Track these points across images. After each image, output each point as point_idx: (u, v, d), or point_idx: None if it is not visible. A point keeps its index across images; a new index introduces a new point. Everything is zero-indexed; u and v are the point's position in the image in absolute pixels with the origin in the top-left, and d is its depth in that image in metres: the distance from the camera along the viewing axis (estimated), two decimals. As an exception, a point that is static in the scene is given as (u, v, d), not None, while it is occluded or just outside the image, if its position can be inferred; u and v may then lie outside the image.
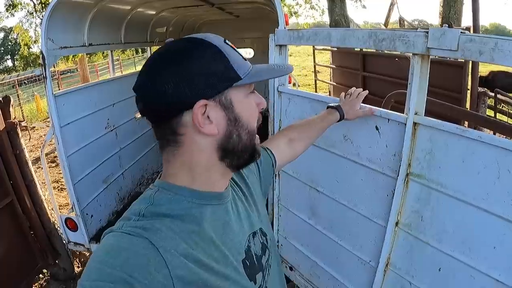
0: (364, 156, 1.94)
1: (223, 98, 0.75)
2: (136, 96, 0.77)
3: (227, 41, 0.79)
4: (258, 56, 6.93)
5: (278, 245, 2.79)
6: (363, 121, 1.84)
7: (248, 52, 7.12)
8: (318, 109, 2.02)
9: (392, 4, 10.53)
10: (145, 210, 0.72)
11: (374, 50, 6.28)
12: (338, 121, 1.56)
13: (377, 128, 1.83)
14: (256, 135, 0.84)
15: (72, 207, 3.20)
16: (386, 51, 5.68)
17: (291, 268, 2.74)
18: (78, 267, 3.72)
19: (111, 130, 3.75)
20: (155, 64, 0.75)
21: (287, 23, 2.67)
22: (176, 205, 0.75)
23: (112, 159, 3.76)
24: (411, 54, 1.58)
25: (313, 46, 9.06)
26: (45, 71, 2.83)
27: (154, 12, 4.57)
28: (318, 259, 2.46)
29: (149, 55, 4.45)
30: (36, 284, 3.49)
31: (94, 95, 3.48)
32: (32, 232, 3.27)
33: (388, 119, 1.75)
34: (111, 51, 4.35)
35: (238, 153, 0.80)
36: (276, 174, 2.55)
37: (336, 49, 7.77)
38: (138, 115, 4.49)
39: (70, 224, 3.32)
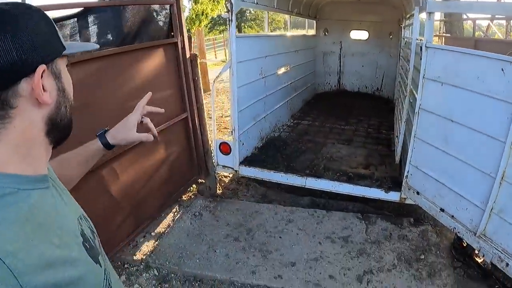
0: (492, 90, 2.40)
1: (55, 66, 0.74)
2: None
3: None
4: (371, 39, 7.65)
5: (407, 175, 3.34)
6: (491, 65, 2.36)
7: (363, 34, 7.83)
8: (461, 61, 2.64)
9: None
10: None
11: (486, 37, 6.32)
12: (107, 148, 1.22)
13: (502, 70, 2.28)
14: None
15: (231, 131, 3.85)
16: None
17: (417, 193, 3.27)
18: (219, 189, 4.36)
19: (262, 78, 4.34)
20: None
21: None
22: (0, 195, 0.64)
23: (260, 102, 4.40)
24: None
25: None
26: (231, 15, 3.47)
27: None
28: (444, 180, 2.96)
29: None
30: (185, 195, 4.20)
31: (257, 45, 4.13)
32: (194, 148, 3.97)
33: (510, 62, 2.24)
34: (267, 12, 4.98)
35: (63, 126, 0.78)
36: (416, 113, 3.11)
37: (448, 35, 7.84)
38: (280, 72, 5.07)
39: (224, 148, 3.98)
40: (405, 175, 3.37)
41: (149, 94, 1.32)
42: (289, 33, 6.19)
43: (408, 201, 3.47)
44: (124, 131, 1.21)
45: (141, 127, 1.26)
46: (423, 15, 3.05)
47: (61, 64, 0.76)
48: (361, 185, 3.70)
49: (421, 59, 3.03)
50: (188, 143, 3.93)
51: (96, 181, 2.79)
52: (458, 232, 2.85)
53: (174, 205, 4.00)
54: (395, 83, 7.32)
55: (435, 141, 2.97)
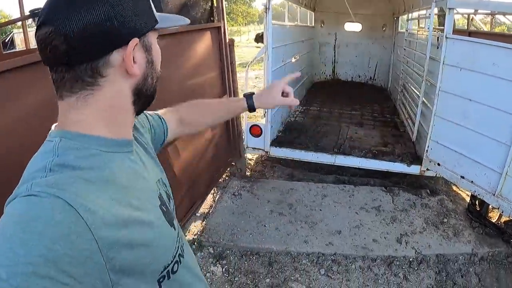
0: (505, 74, 2.90)
1: (146, 39, 0.76)
2: (47, 27, 0.66)
3: None
4: (365, 31, 8.17)
5: (428, 149, 3.79)
6: (505, 53, 2.87)
7: (356, 26, 8.30)
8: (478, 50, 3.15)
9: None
10: (52, 163, 0.66)
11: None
12: (250, 110, 1.34)
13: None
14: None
15: (264, 114, 4.11)
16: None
17: (438, 164, 3.73)
18: (248, 172, 4.66)
19: (284, 64, 4.64)
20: None
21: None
22: (85, 155, 0.70)
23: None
24: None
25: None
26: (269, 3, 3.74)
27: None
28: (463, 151, 3.43)
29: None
30: (221, 176, 4.43)
31: (281, 33, 4.54)
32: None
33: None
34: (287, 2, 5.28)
35: (148, 96, 0.81)
36: (437, 95, 3.54)
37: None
38: (293, 60, 5.36)
39: (254, 130, 4.25)
40: (425, 149, 3.79)
41: (298, 73, 1.47)
42: (299, 23, 6.51)
43: (428, 173, 3.92)
44: (270, 96, 1.31)
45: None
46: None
47: (152, 37, 0.78)
48: (386, 161, 4.08)
49: (437, 48, 3.53)
50: (227, 125, 4.14)
51: (164, 157, 2.91)
52: (478, 194, 3.32)
53: (214, 185, 4.19)
54: (389, 72, 7.77)
55: (455, 118, 3.43)
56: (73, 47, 0.65)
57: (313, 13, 7.91)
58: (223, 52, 3.77)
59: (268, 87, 1.35)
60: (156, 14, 0.79)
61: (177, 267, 0.85)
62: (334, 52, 8.52)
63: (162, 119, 1.16)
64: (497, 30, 8.20)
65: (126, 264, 0.66)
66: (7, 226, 0.57)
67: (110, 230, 0.64)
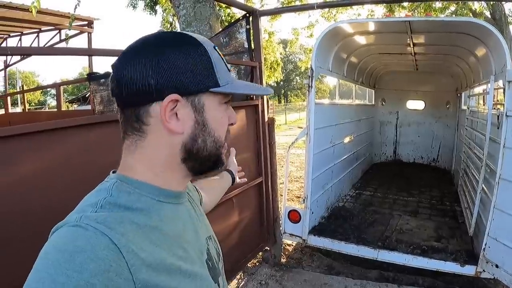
0: None
1: (197, 100, 0.76)
2: (111, 74, 0.77)
3: (216, 47, 0.81)
4: (428, 109, 7.86)
5: (485, 247, 3.28)
6: None
7: (419, 104, 8.05)
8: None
9: None
10: (104, 201, 0.70)
11: None
12: (232, 184, 1.57)
13: None
14: (228, 148, 0.88)
15: (303, 199, 3.87)
16: None
17: (497, 266, 3.20)
18: (283, 258, 4.29)
19: (332, 146, 4.41)
20: (140, 48, 0.76)
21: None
22: (136, 199, 0.73)
23: (329, 171, 4.45)
24: None
25: None
26: (311, 81, 3.64)
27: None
28: None
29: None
30: (251, 261, 4.14)
31: (329, 112, 4.28)
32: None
33: None
34: (338, 80, 5.13)
35: (201, 158, 0.81)
36: (496, 183, 3.11)
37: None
38: (346, 141, 5.12)
39: (293, 216, 3.99)
40: (482, 247, 3.29)
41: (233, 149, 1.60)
42: (355, 102, 6.35)
43: (484, 275, 3.37)
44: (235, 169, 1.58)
45: None
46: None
47: (209, 100, 0.78)
48: (436, 259, 3.59)
49: (498, 128, 3.12)
50: (260, 208, 3.97)
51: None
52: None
53: (239, 271, 3.94)
54: (452, 153, 7.24)
55: None
56: (121, 91, 0.74)
57: (373, 91, 7.76)
58: (260, 131, 3.66)
59: (231, 161, 1.61)
60: (224, 78, 0.79)
61: None
62: (396, 132, 8.20)
63: (198, 190, 1.19)
64: None
65: None
66: (52, 253, 0.60)
67: (150, 273, 0.65)
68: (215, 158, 0.83)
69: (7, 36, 10.14)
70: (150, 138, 0.76)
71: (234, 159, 1.60)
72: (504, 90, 3.18)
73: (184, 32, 0.81)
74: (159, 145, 0.77)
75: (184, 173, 0.82)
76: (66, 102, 21.74)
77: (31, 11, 4.52)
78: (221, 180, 1.50)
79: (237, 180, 1.60)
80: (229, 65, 0.85)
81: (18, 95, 11.62)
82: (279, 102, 53.24)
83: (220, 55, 0.81)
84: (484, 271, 3.31)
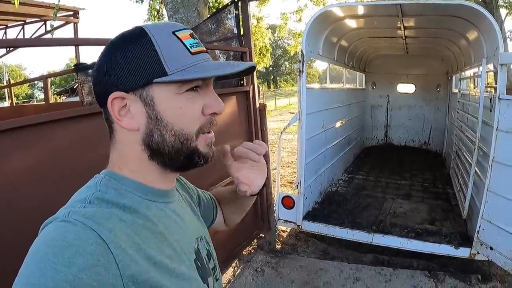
0: None
1: (144, 93, 0.73)
2: None
3: (179, 31, 0.75)
4: (419, 92, 7.86)
5: (479, 230, 3.30)
6: None
7: (409, 87, 8.04)
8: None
9: None
10: (92, 196, 0.71)
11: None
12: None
13: None
14: (210, 139, 0.84)
15: (297, 185, 3.85)
16: None
17: (491, 248, 3.21)
18: (278, 244, 4.30)
19: (324, 131, 4.40)
20: (103, 52, 0.77)
21: None
22: (124, 196, 0.74)
23: (321, 156, 4.44)
24: None
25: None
26: (302, 66, 3.61)
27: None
28: None
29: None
30: (246, 248, 4.15)
31: (321, 97, 4.26)
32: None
33: None
34: (329, 64, 5.10)
35: (167, 154, 0.77)
36: (489, 166, 3.11)
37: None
38: (337, 125, 5.11)
39: (286, 202, 3.98)
40: (476, 230, 3.32)
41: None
42: (346, 86, 6.32)
43: (478, 257, 3.40)
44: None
45: None
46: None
47: (159, 91, 0.73)
48: (430, 242, 3.62)
49: (490, 111, 3.12)
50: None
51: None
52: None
53: (234, 259, 3.95)
54: (443, 136, 7.28)
55: (511, 194, 2.97)
56: (95, 91, 0.78)
57: (363, 75, 7.74)
58: (252, 117, 3.63)
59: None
60: (176, 64, 0.72)
61: None
62: (387, 115, 8.22)
63: (214, 200, 1.19)
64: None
65: None
66: (41, 248, 0.60)
67: (137, 270, 0.65)
68: (186, 152, 0.77)
69: (-9, 29, 9.96)
70: (117, 136, 0.78)
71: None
72: (495, 73, 3.18)
73: (142, 24, 0.76)
74: (125, 142, 0.78)
75: (159, 169, 0.80)
76: (54, 94, 21.44)
77: (14, 3, 4.41)
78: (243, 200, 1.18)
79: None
80: (199, 47, 0.77)
81: (5, 89, 11.43)
82: (268, 87, 52.95)
83: (179, 38, 0.74)
84: (479, 253, 3.34)
